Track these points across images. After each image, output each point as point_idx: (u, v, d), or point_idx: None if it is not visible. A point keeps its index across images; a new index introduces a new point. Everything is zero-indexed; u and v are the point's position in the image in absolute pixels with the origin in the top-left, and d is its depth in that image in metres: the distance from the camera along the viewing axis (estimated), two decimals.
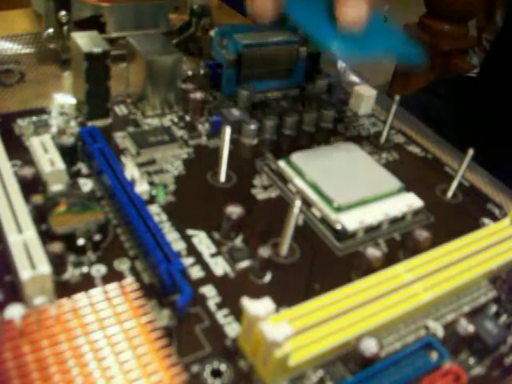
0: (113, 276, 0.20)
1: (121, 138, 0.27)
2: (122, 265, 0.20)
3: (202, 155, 0.27)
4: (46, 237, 0.20)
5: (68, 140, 0.24)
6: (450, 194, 0.27)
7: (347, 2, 0.24)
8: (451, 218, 0.26)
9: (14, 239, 0.18)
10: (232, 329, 0.19)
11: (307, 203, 0.25)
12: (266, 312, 0.17)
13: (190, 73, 0.33)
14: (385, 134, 0.31)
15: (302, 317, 0.18)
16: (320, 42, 0.24)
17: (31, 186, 0.22)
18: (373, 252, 0.21)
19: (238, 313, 0.19)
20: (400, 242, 0.24)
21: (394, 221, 0.25)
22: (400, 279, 0.20)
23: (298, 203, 0.21)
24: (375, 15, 0.25)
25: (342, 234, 0.23)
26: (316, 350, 0.17)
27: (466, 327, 0.19)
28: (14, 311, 0.17)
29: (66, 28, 0.33)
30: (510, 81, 0.50)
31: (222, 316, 0.19)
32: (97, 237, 0.21)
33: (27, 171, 0.22)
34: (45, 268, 0.17)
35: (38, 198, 0.21)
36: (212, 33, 0.37)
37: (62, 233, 0.20)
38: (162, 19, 0.36)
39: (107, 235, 0.21)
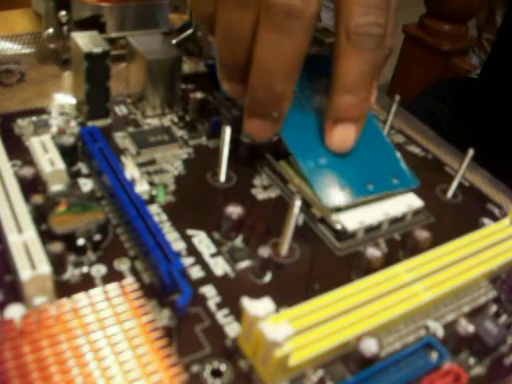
0: (113, 276, 0.20)
1: (121, 138, 0.27)
2: (122, 265, 0.20)
3: (201, 155, 0.27)
4: (46, 237, 0.20)
5: (68, 140, 0.24)
6: (450, 193, 0.27)
7: (335, 125, 0.23)
8: (451, 218, 0.26)
9: (14, 239, 0.18)
10: (232, 329, 0.19)
11: (307, 203, 0.25)
12: (265, 312, 0.17)
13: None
14: (385, 134, 0.30)
15: (302, 317, 0.18)
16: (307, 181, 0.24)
17: (31, 186, 0.22)
18: (373, 252, 0.21)
19: (238, 313, 0.19)
20: (400, 242, 0.24)
21: (394, 221, 0.25)
22: (400, 279, 0.20)
23: (298, 203, 0.21)
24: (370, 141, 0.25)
25: (342, 234, 0.23)
26: (316, 350, 0.17)
27: (466, 327, 0.19)
28: (14, 311, 0.17)
29: (65, 28, 0.33)
30: (510, 81, 0.50)
31: (222, 316, 0.19)
32: (97, 237, 0.21)
33: (27, 171, 0.22)
34: (45, 268, 0.17)
35: (37, 198, 0.21)
36: None
37: (61, 233, 0.20)
38: (162, 19, 0.36)
39: (107, 235, 0.21)
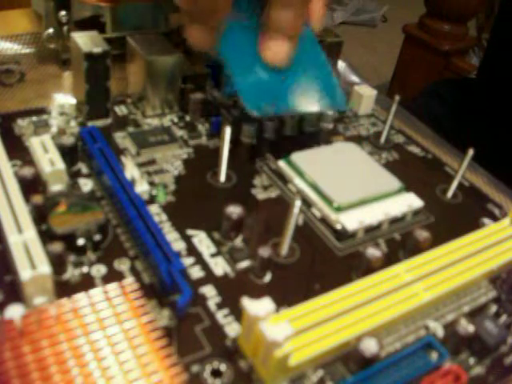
0: (113, 276, 0.20)
1: (121, 138, 0.27)
2: (122, 265, 0.20)
3: (202, 155, 0.27)
4: (46, 237, 0.20)
5: (68, 140, 0.24)
6: (450, 193, 0.27)
7: (270, 38, 0.25)
8: (451, 218, 0.26)
9: (14, 239, 0.18)
10: (232, 329, 0.19)
11: (307, 203, 0.25)
12: (265, 312, 0.17)
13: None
14: (385, 133, 0.31)
15: (302, 317, 0.18)
16: (235, 87, 0.25)
17: (31, 186, 0.22)
18: (373, 252, 0.21)
19: (238, 313, 0.19)
20: (400, 242, 0.24)
21: (394, 221, 0.25)
22: (400, 279, 0.20)
23: (298, 203, 0.21)
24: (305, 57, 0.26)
25: (342, 234, 0.23)
26: (316, 350, 0.17)
27: (466, 327, 0.19)
28: (14, 311, 0.17)
29: (65, 28, 0.33)
30: (507, 81, 0.50)
31: (222, 316, 0.19)
32: (97, 237, 0.21)
33: (27, 171, 0.22)
34: (45, 268, 0.17)
35: (37, 198, 0.21)
36: None
37: (61, 233, 0.20)
38: (161, 19, 0.36)
39: (107, 235, 0.21)
